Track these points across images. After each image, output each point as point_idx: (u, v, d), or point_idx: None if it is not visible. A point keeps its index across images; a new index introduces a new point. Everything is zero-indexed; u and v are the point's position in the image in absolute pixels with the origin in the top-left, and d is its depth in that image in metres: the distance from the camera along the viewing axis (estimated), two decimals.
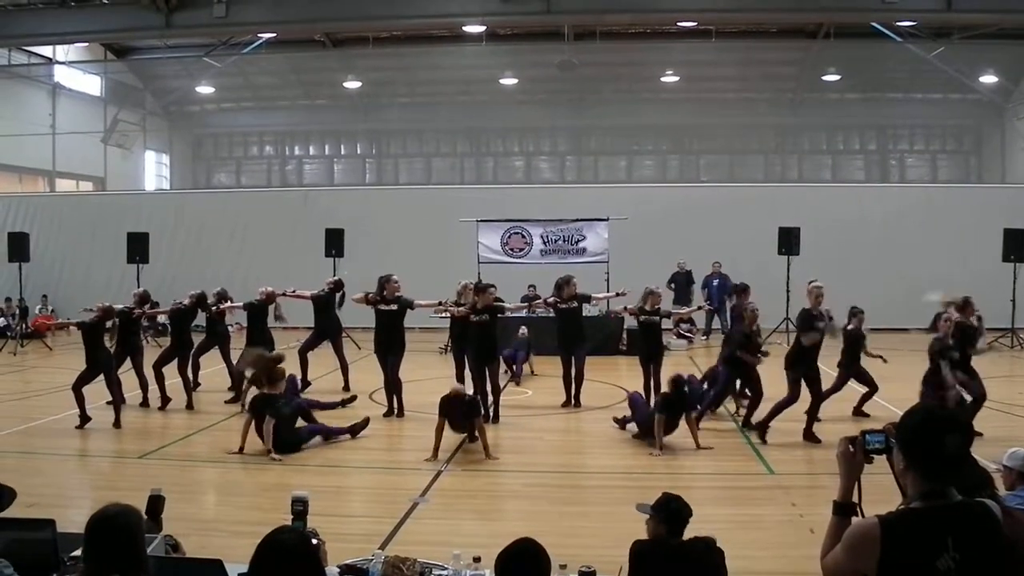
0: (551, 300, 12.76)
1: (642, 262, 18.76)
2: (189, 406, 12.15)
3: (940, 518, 2.51)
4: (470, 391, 10.60)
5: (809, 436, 10.08)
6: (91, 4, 20.96)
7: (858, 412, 11.31)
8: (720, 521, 6.23)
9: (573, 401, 12.45)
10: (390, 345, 11.75)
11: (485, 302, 11.56)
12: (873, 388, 11.32)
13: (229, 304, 13.48)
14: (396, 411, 11.66)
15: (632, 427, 10.55)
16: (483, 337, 11.54)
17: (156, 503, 4.79)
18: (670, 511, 4.77)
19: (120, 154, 27.88)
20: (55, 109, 26.79)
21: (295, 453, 9.66)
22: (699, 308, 16.71)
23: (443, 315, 12.80)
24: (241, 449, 9.61)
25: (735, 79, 28.34)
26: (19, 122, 24.73)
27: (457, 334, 12.53)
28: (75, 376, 11.28)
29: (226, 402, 12.48)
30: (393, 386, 11.74)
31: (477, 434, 9.66)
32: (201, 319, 13.45)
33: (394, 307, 11.74)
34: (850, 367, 11.29)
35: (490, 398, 11.50)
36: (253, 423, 9.68)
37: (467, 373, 11.82)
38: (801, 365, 10.22)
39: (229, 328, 13.86)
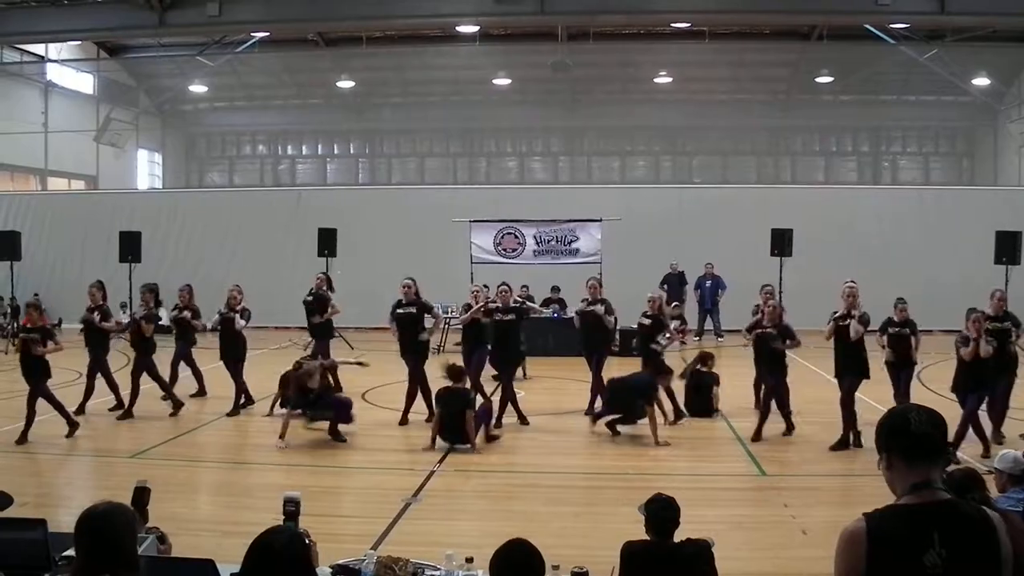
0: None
1: (635, 263, 18.80)
2: (124, 409, 11.70)
3: (926, 513, 2.51)
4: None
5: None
6: (84, 2, 20.87)
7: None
8: (712, 522, 6.25)
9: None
10: (415, 349, 11.50)
11: (505, 300, 11.71)
12: None
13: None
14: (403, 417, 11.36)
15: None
16: (507, 337, 11.51)
17: (142, 494, 4.76)
18: (649, 512, 4.80)
19: (113, 153, 27.76)
20: (47, 107, 26.70)
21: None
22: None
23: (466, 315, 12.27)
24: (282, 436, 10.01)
25: (728, 80, 28.37)
26: (11, 120, 24.64)
27: (473, 335, 12.03)
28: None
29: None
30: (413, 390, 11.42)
31: (467, 429, 9.64)
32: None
33: (412, 310, 11.49)
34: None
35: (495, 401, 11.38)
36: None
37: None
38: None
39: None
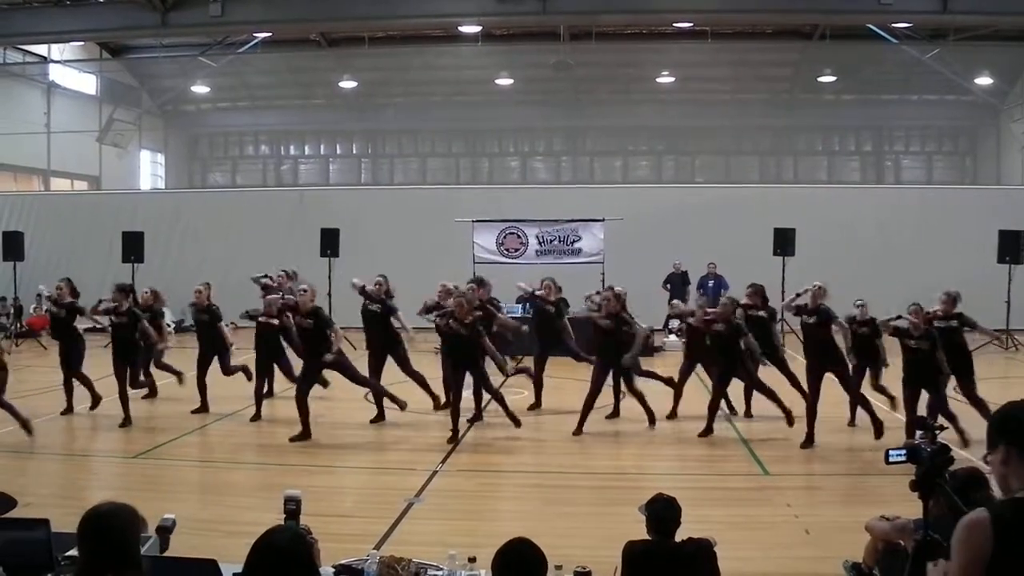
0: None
1: (638, 263, 18.78)
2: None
3: None
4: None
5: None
6: (87, 3, 20.91)
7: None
8: (714, 522, 6.24)
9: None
10: (384, 344, 11.56)
11: (463, 314, 10.49)
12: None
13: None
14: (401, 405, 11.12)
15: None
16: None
17: (168, 524, 4.67)
18: (650, 512, 4.80)
19: (115, 153, 27.77)
20: (50, 108, 26.72)
21: None
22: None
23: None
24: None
25: (731, 80, 28.34)
26: (14, 121, 24.67)
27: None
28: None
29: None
30: (414, 377, 11.56)
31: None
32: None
33: (377, 308, 11.53)
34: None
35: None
36: None
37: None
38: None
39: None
